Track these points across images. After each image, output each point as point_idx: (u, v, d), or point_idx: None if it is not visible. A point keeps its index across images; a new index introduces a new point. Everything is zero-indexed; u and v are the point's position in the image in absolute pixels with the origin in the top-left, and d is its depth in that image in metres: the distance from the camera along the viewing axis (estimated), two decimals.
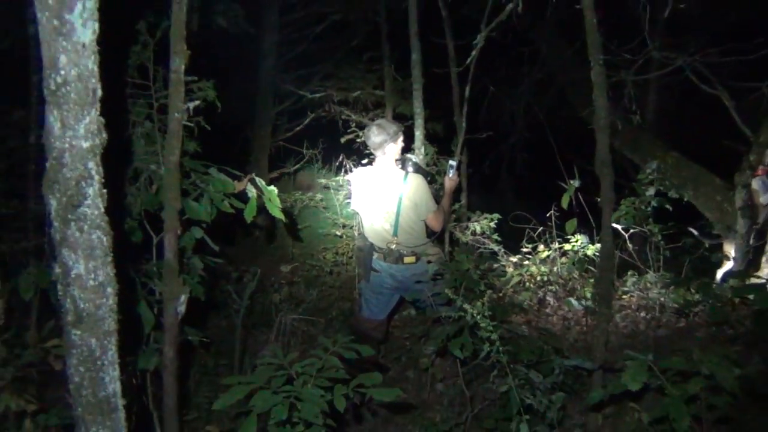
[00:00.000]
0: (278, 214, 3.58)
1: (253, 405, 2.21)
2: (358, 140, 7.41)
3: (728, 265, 6.60)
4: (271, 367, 2.36)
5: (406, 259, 4.72)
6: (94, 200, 1.95)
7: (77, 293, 1.99)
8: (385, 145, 4.67)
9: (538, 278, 5.63)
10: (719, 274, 6.69)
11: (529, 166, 9.39)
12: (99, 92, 1.91)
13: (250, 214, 3.55)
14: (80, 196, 1.91)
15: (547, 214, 5.55)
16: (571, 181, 5.12)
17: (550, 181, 5.51)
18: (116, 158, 3.41)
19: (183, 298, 3.32)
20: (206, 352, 5.07)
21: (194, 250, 3.75)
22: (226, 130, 6.79)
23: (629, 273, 5.84)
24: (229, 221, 3.71)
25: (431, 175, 4.84)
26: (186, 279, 3.52)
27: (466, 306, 2.86)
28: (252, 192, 3.56)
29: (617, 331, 5.18)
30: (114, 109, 3.46)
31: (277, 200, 3.55)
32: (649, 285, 5.58)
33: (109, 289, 2.05)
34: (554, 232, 5.56)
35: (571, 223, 5.05)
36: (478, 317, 2.89)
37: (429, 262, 4.63)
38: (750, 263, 6.25)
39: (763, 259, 5.96)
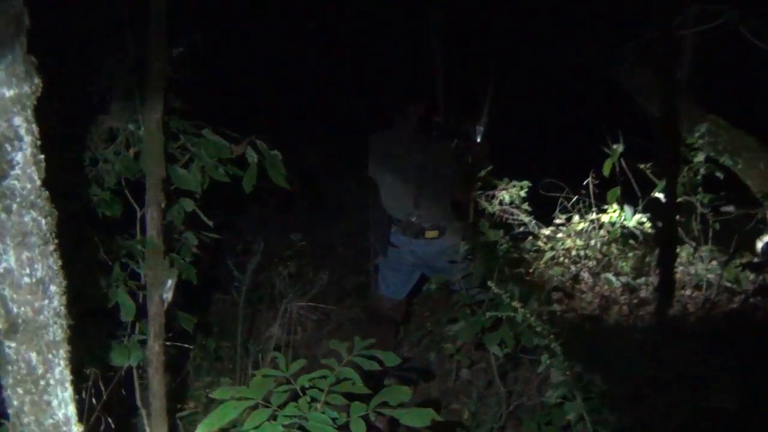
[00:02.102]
0: (282, 182, 3.06)
1: None
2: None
3: None
4: (271, 380, 1.87)
5: (428, 234, 4.22)
6: (24, 169, 1.43)
7: (8, 294, 1.49)
8: (407, 106, 4.13)
9: (573, 253, 5.10)
10: (759, 245, 6.15)
11: (562, 130, 8.77)
12: (26, 21, 1.38)
13: (249, 183, 3.03)
14: (4, 164, 1.40)
15: (584, 182, 4.98)
16: (615, 146, 4.57)
17: (589, 147, 4.96)
18: (89, 115, 2.89)
19: (170, 282, 2.83)
20: (207, 334, 4.61)
21: (188, 224, 3.24)
22: (227, 84, 6.24)
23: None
24: (235, 186, 3.17)
25: (457, 141, 4.30)
26: (174, 259, 3.03)
27: (513, 302, 2.33)
28: (253, 157, 3.03)
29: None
30: (82, 58, 2.94)
31: (281, 166, 3.02)
32: (694, 260, 5.04)
33: (53, 288, 1.54)
34: (591, 201, 4.99)
35: (614, 192, 4.49)
36: (526, 313, 2.36)
37: (462, 239, 4.10)
38: None
39: None
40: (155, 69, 2.55)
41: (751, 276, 4.83)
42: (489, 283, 2.97)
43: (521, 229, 5.26)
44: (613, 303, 4.97)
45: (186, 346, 3.32)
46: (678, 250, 5.21)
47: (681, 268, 5.18)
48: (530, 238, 5.34)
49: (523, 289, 2.95)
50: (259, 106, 7.01)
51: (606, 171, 4.48)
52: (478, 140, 4.29)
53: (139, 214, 3.00)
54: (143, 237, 2.86)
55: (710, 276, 4.77)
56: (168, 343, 2.90)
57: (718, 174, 4.78)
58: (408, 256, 4.27)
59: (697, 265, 4.88)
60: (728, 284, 4.60)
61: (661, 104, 6.63)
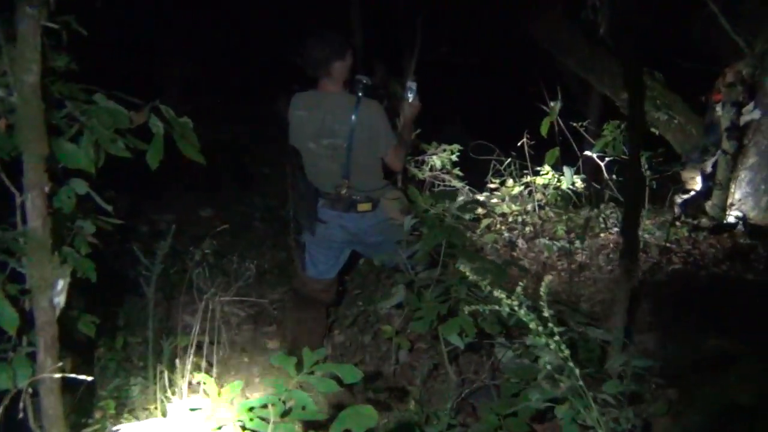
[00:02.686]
0: (196, 156, 2.57)
1: None
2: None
3: (692, 191, 6.06)
4: (201, 414, 1.44)
5: (360, 207, 3.83)
6: None
7: None
8: (330, 62, 3.67)
9: (510, 219, 4.85)
10: (678, 200, 6.14)
11: (490, 90, 8.52)
12: None
13: (155, 157, 2.52)
14: None
15: (519, 144, 4.70)
16: (552, 104, 4.29)
17: (523, 105, 4.67)
18: None
19: (61, 283, 2.30)
20: (113, 331, 4.07)
21: (82, 210, 2.70)
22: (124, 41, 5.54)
23: (604, 206, 5.13)
24: (137, 159, 2.63)
25: (386, 100, 3.90)
26: (67, 254, 2.50)
27: (483, 282, 1.96)
28: (158, 126, 2.50)
29: (601, 277, 4.48)
30: None
31: (193, 136, 2.52)
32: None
33: None
34: (528, 163, 4.73)
35: (552, 153, 4.23)
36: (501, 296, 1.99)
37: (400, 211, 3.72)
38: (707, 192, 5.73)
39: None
40: (28, 16, 2.00)
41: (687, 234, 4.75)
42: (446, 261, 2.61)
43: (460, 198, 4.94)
44: (550, 269, 4.77)
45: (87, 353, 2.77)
46: (610, 211, 5.08)
47: (616, 229, 5.05)
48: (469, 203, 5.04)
49: (485, 266, 2.62)
50: (165, 67, 6.33)
51: (544, 130, 4.21)
52: (410, 98, 3.88)
53: (18, 201, 2.43)
54: (25, 228, 2.31)
55: (647, 236, 4.65)
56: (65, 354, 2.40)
57: (654, 130, 4.64)
58: (338, 232, 3.87)
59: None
60: (669, 245, 4.48)
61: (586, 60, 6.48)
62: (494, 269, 2.83)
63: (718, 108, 5.68)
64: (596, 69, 7.08)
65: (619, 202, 5.06)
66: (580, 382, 1.94)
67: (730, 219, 5.26)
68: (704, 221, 5.26)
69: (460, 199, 4.99)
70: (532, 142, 4.57)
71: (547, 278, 1.94)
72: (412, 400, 3.36)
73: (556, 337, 1.78)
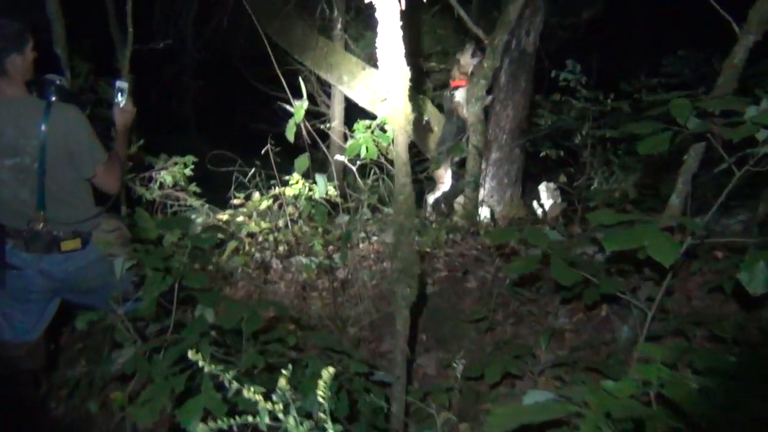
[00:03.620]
0: None
1: None
2: None
3: (442, 188, 6.05)
4: None
5: (65, 245, 2.94)
6: None
7: None
8: (4, 56, 2.76)
9: (261, 238, 4.22)
10: (430, 199, 6.10)
11: (211, 92, 7.73)
12: None
13: None
14: None
15: (263, 151, 4.08)
16: (297, 103, 3.75)
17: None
18: None
19: None
20: None
21: None
22: None
23: (361, 212, 4.76)
24: None
25: (90, 105, 3.04)
26: None
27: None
28: None
29: (366, 293, 4.06)
30: None
31: None
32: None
33: None
34: (276, 173, 4.12)
35: (303, 161, 3.68)
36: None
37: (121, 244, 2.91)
38: (457, 189, 5.77)
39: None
40: None
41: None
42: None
43: (195, 218, 4.18)
44: (310, 290, 4.26)
45: None
46: (367, 218, 4.73)
47: (375, 238, 4.72)
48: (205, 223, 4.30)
49: (232, 312, 1.99)
50: None
51: (290, 135, 3.66)
52: (121, 102, 3.09)
53: None
54: None
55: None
56: None
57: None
58: (38, 280, 2.94)
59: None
60: (427, 249, 4.21)
61: None
62: (246, 312, 2.20)
63: (456, 95, 5.69)
64: (334, 68, 6.82)
65: (374, 207, 4.73)
66: None
67: (482, 215, 5.24)
68: (458, 220, 5.18)
69: (199, 221, 4.28)
70: (278, 149, 4.02)
71: None
72: None
73: None
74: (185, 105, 7.61)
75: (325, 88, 8.04)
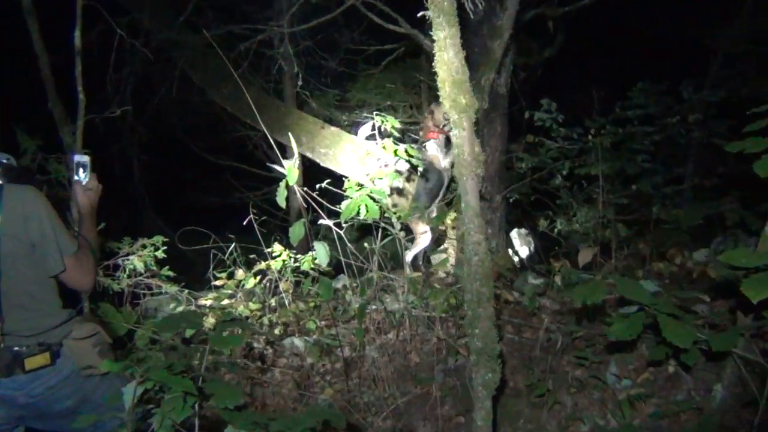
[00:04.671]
0: None
1: None
2: None
3: (421, 244, 5.64)
4: None
5: (31, 362, 2.33)
6: None
7: None
8: None
9: (254, 321, 3.65)
10: (408, 256, 5.67)
11: (158, 167, 7.12)
12: None
13: None
14: None
15: (245, 222, 3.54)
16: (287, 163, 3.27)
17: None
18: None
19: None
20: None
21: None
22: None
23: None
24: None
25: (47, 185, 2.49)
26: None
27: None
28: None
29: (387, 376, 3.51)
30: None
31: None
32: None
33: None
34: (263, 245, 3.58)
35: (298, 229, 3.18)
36: None
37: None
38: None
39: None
40: None
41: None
42: None
43: (172, 306, 3.58)
44: (313, 374, 3.69)
45: None
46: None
47: (374, 307, 4.20)
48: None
49: None
50: None
51: (281, 200, 3.18)
52: (83, 179, 2.57)
53: None
54: None
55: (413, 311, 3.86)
56: None
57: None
58: None
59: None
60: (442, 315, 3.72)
61: None
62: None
63: (429, 148, 5.36)
64: (291, 129, 6.40)
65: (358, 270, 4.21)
66: None
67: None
68: (443, 275, 4.78)
69: (179, 310, 3.68)
70: (263, 218, 3.51)
71: None
72: None
73: None
74: (135, 183, 6.99)
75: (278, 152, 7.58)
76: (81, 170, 2.58)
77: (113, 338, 2.57)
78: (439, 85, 1.90)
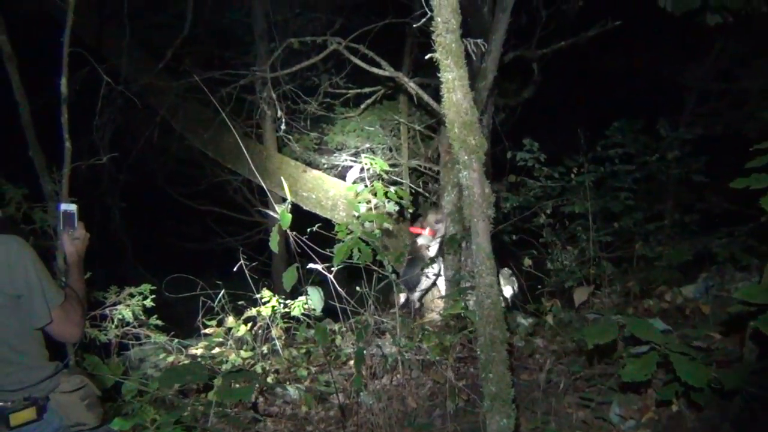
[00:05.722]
0: None
1: None
2: None
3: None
4: None
5: (16, 418, 2.23)
6: None
7: None
8: None
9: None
10: (401, 298, 5.69)
11: (137, 215, 7.01)
12: None
13: None
14: None
15: (235, 268, 3.47)
16: (281, 208, 3.23)
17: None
18: None
19: None
20: None
21: None
22: None
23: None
24: None
25: (32, 235, 2.41)
26: None
27: None
28: None
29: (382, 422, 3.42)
30: None
31: None
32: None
33: None
34: (254, 291, 3.51)
35: (291, 273, 3.11)
36: None
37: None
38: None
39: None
40: None
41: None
42: None
43: (161, 356, 3.47)
44: (305, 423, 3.58)
45: None
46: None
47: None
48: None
49: None
50: None
51: (273, 245, 3.12)
52: (70, 230, 2.51)
53: None
54: None
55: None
56: None
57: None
58: None
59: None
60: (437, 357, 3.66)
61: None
62: None
63: (419, 240, 5.62)
64: (273, 173, 6.36)
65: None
66: None
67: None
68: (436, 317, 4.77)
69: (169, 359, 3.57)
70: (253, 264, 3.44)
71: None
72: None
73: None
74: (115, 230, 6.87)
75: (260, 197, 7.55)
76: (67, 219, 2.52)
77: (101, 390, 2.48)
78: (448, 126, 1.90)
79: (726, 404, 2.53)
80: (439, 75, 1.88)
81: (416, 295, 5.47)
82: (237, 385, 1.88)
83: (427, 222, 5.70)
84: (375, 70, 4.78)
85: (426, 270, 5.41)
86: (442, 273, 5.45)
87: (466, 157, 1.88)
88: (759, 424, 2.29)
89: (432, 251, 5.45)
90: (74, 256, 2.54)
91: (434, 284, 5.54)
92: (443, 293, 5.44)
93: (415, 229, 5.68)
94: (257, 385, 3.48)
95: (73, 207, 2.56)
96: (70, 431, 2.31)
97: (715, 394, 2.36)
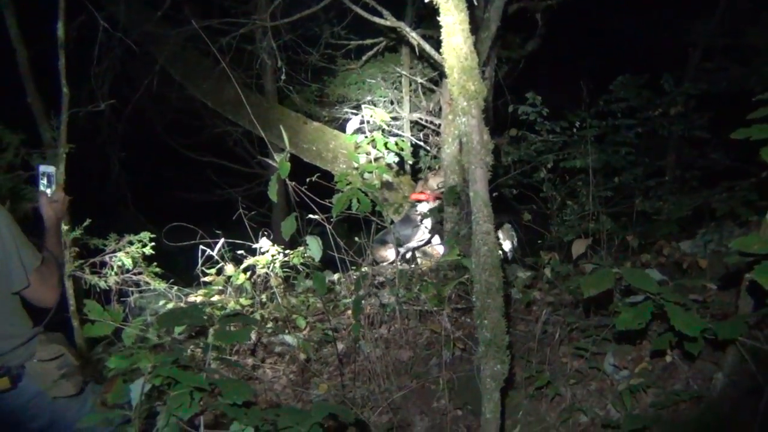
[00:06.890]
0: None
1: None
2: None
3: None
4: None
5: None
6: None
7: None
8: None
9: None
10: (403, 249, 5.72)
11: (137, 165, 7.02)
12: None
13: None
14: None
15: (234, 217, 3.48)
16: (279, 156, 3.22)
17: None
18: None
19: None
20: None
21: None
22: None
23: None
24: None
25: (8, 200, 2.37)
26: None
27: None
28: None
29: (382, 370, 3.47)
30: None
31: None
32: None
33: None
34: (254, 241, 3.53)
35: (290, 222, 3.12)
36: None
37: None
38: None
39: None
40: None
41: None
42: None
43: (161, 303, 3.50)
44: (304, 370, 3.64)
45: None
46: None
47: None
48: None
49: None
50: None
51: (272, 194, 3.12)
52: (49, 192, 2.43)
53: None
54: None
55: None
56: None
57: None
58: None
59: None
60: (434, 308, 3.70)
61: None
62: (304, 425, 1.62)
63: (419, 207, 5.54)
64: (273, 125, 6.31)
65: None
66: None
67: None
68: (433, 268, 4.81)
69: (169, 306, 3.61)
70: (252, 213, 3.44)
71: None
72: None
73: None
74: (116, 181, 6.88)
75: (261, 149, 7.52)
76: (46, 181, 2.45)
77: (97, 339, 2.45)
78: (447, 71, 1.87)
79: (719, 355, 2.56)
80: (439, 19, 1.85)
81: (409, 245, 5.46)
82: (234, 329, 1.90)
83: (428, 186, 5.66)
84: (377, 19, 4.70)
85: (419, 225, 5.40)
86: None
87: (465, 103, 1.86)
88: (752, 376, 2.32)
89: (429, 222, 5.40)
90: (52, 219, 2.43)
91: (428, 242, 5.51)
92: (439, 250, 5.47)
93: (417, 196, 5.61)
94: (256, 331, 3.52)
95: (51, 168, 2.48)
96: (48, 399, 2.28)
97: (708, 344, 2.38)
